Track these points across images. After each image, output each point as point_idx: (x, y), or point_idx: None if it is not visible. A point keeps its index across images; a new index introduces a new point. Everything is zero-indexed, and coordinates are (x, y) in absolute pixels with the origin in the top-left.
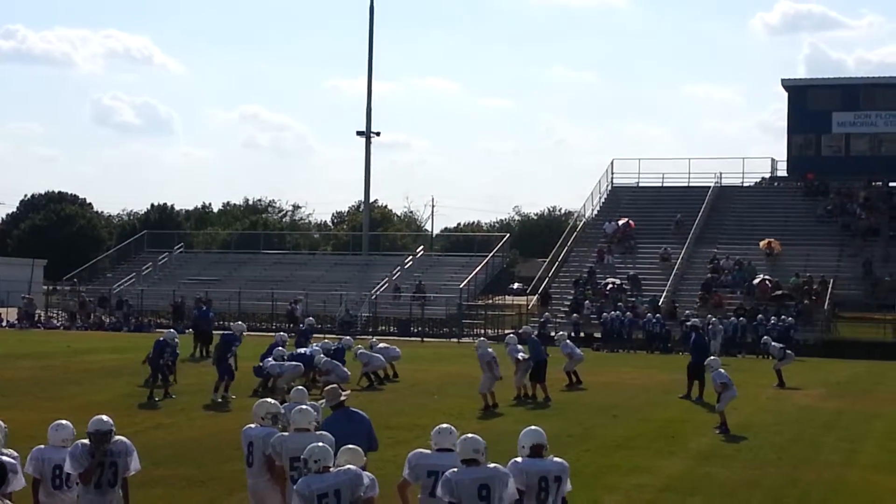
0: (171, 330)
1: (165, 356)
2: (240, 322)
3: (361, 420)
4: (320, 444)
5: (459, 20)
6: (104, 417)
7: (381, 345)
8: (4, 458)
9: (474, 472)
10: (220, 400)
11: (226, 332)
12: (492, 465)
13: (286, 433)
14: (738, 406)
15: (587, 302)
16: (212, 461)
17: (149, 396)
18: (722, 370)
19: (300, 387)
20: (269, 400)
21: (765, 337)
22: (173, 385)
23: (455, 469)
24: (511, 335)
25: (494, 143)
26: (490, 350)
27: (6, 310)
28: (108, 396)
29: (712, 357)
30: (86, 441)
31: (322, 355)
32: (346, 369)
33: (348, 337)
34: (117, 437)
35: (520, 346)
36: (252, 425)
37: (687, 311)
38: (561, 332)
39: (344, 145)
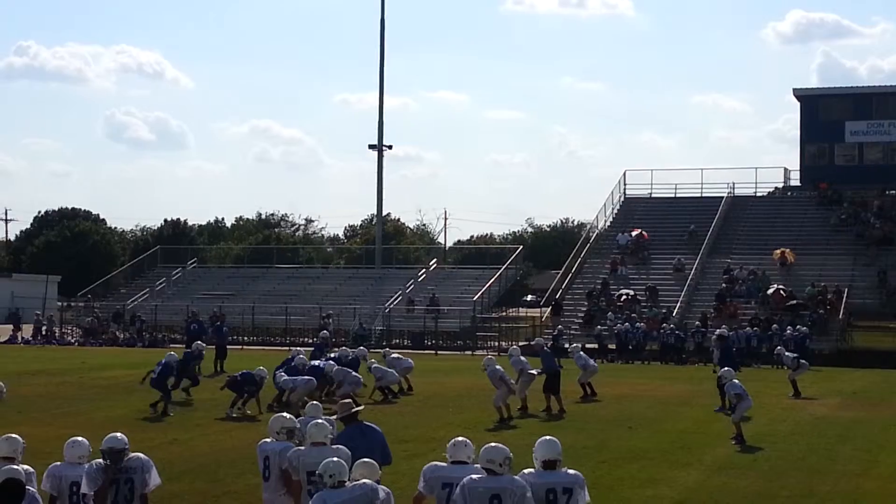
0: (199, 342)
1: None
2: (199, 342)
3: (375, 434)
4: (335, 458)
5: (469, 33)
6: (118, 435)
7: (394, 354)
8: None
9: (489, 481)
10: (235, 415)
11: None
12: (511, 476)
13: (302, 447)
14: (753, 416)
15: (609, 314)
16: (227, 476)
17: (163, 412)
18: (736, 381)
19: (315, 402)
20: (284, 415)
21: (778, 347)
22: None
23: (474, 476)
24: (514, 347)
25: (506, 156)
26: (498, 367)
27: (21, 326)
28: (123, 412)
29: (726, 368)
30: (100, 460)
31: (333, 364)
32: (357, 374)
33: (363, 347)
34: (133, 454)
35: (523, 358)
36: (267, 440)
37: (696, 322)
38: (575, 344)
39: (356, 159)
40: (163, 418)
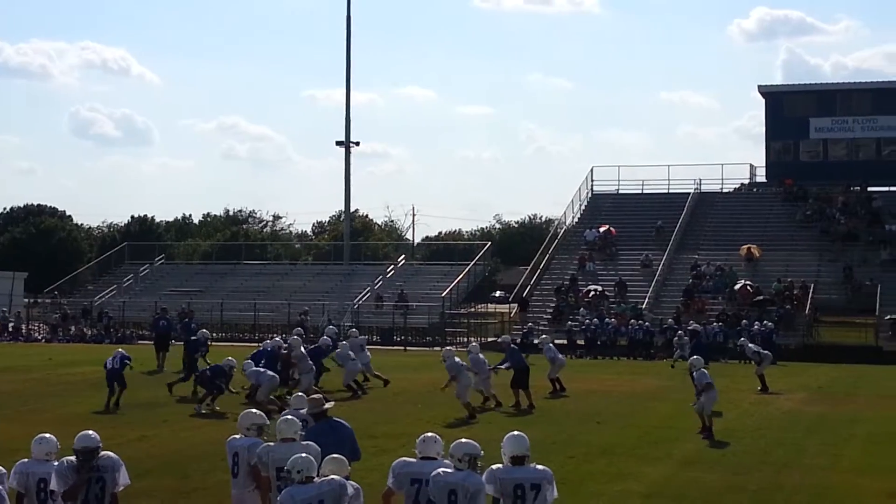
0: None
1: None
2: (203, 330)
3: (344, 429)
4: (303, 454)
5: (436, 28)
6: (91, 433)
7: (362, 337)
8: None
9: (450, 476)
10: (205, 411)
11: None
12: (468, 472)
13: (272, 443)
14: (721, 411)
15: (582, 309)
16: (196, 472)
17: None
18: (705, 370)
19: (300, 393)
20: (253, 411)
21: (741, 339)
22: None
23: (440, 470)
24: (473, 344)
25: (474, 151)
26: (458, 359)
27: None
28: (91, 408)
29: (695, 357)
30: (71, 458)
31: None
32: (310, 363)
33: (325, 337)
34: (104, 452)
35: (481, 356)
36: (237, 436)
37: (669, 319)
38: (544, 336)
39: (323, 155)
40: (206, 411)
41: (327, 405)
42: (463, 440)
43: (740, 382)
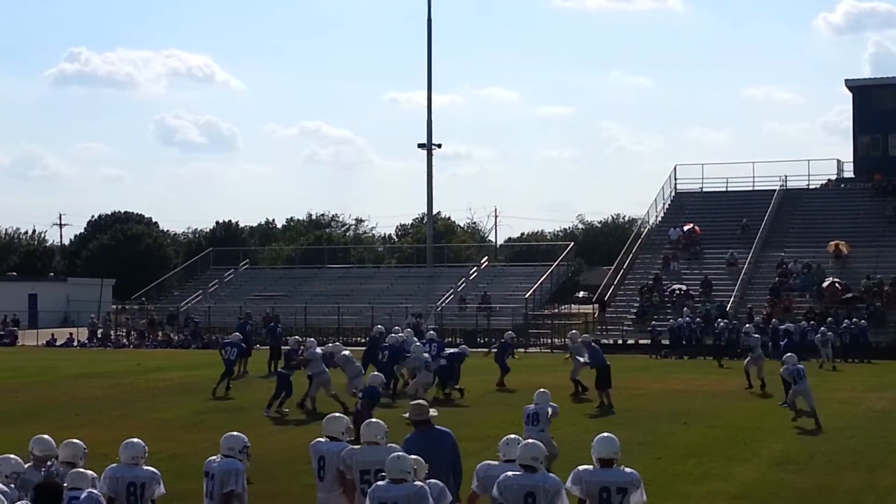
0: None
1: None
2: (296, 337)
3: (446, 439)
4: (399, 454)
5: (517, 28)
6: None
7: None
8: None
9: (524, 478)
10: (274, 415)
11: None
12: (545, 473)
13: (357, 447)
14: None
15: (686, 309)
16: (282, 476)
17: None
18: (800, 365)
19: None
20: (343, 416)
21: (747, 325)
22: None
23: (509, 473)
24: (574, 332)
25: (555, 152)
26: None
27: (77, 329)
28: (178, 413)
29: (788, 354)
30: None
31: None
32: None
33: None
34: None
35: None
36: (321, 439)
37: (758, 318)
38: (748, 326)
39: (405, 158)
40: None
41: (432, 413)
42: (531, 441)
43: (830, 382)
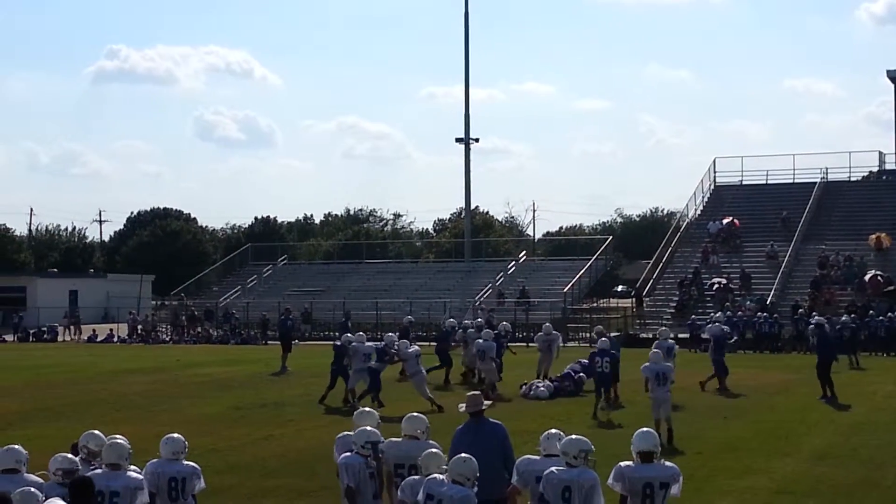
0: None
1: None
2: (360, 333)
3: (497, 431)
4: (465, 457)
5: (555, 23)
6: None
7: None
8: (132, 474)
9: (564, 473)
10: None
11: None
12: (583, 469)
13: (397, 439)
14: (853, 404)
15: (719, 310)
16: (322, 471)
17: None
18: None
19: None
20: (371, 411)
21: (718, 314)
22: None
23: (554, 468)
24: (599, 327)
25: (593, 145)
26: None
27: (117, 325)
28: (218, 409)
29: (654, 351)
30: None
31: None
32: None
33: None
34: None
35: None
36: (349, 433)
37: (800, 310)
38: (662, 328)
39: (443, 152)
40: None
41: (486, 404)
42: (574, 436)
43: (872, 375)
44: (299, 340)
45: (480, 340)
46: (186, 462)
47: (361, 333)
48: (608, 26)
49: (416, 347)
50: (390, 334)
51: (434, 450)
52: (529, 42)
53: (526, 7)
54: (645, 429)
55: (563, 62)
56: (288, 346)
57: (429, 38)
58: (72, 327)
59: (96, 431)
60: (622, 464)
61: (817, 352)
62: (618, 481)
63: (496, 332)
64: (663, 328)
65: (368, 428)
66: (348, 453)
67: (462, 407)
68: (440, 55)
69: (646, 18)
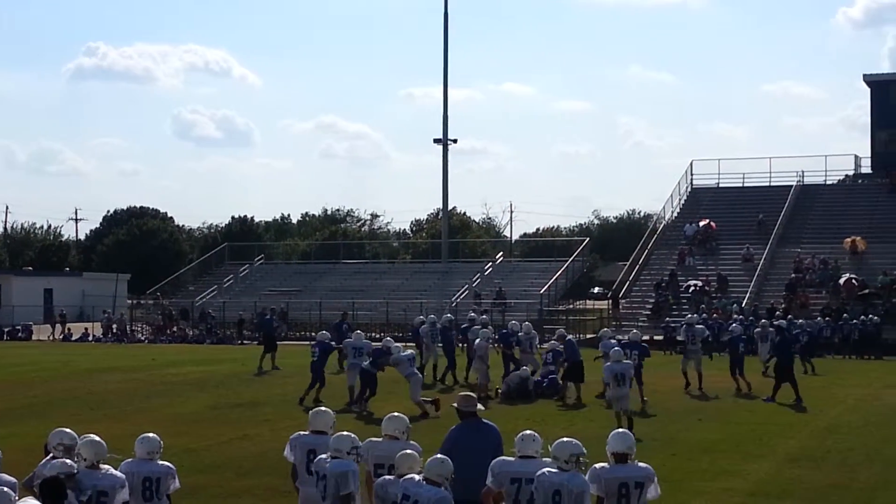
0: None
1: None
2: (358, 332)
3: (490, 432)
4: (442, 458)
5: (535, 23)
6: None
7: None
8: (115, 472)
9: (555, 476)
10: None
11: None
12: (573, 473)
13: (377, 439)
14: (825, 407)
15: (698, 312)
16: None
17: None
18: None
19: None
20: (327, 410)
21: (690, 316)
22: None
23: (545, 470)
24: (605, 330)
25: (572, 147)
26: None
27: (92, 324)
28: (194, 408)
29: (615, 349)
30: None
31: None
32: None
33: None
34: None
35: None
36: (304, 433)
37: (777, 313)
38: (604, 329)
39: (421, 153)
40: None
41: (480, 406)
42: (565, 439)
43: (846, 378)
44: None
45: (479, 340)
46: (161, 462)
47: (359, 332)
48: (589, 28)
49: (410, 351)
50: (388, 338)
51: (409, 451)
52: (509, 43)
53: (506, 8)
54: (620, 430)
55: (543, 63)
56: (272, 344)
57: (408, 38)
58: (58, 325)
59: (66, 429)
60: (597, 465)
61: (776, 354)
62: (594, 483)
63: (504, 330)
64: (605, 329)
65: (348, 433)
66: (337, 460)
67: (454, 405)
68: (420, 55)
69: (627, 20)
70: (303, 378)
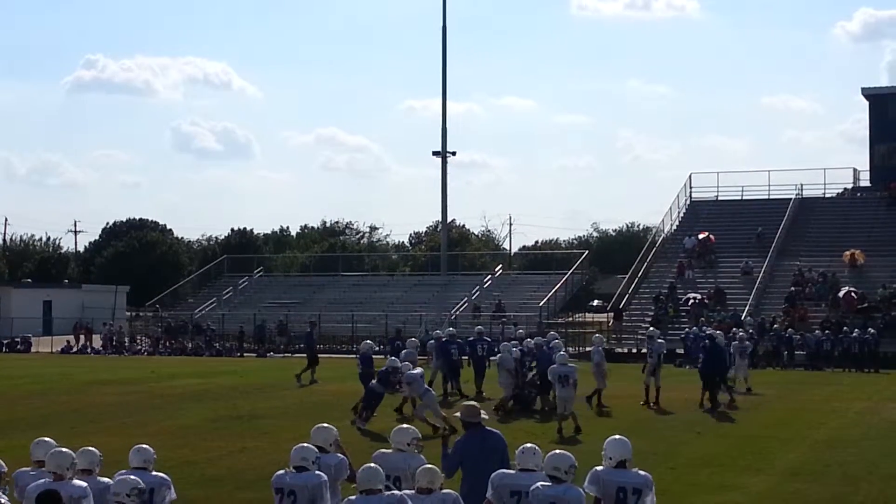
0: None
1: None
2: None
3: (496, 441)
4: (428, 465)
5: (534, 37)
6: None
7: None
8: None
9: (550, 489)
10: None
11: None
12: (568, 485)
13: (387, 451)
14: (825, 420)
15: (698, 325)
16: None
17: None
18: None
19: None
20: (329, 426)
21: (650, 329)
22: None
23: (539, 483)
24: (598, 336)
25: (571, 160)
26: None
27: (91, 336)
28: (193, 421)
29: (560, 353)
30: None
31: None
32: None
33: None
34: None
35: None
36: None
37: (776, 326)
38: (597, 335)
39: (420, 165)
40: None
41: (484, 415)
42: (558, 451)
43: (845, 392)
44: (273, 353)
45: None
46: (156, 472)
47: (369, 342)
48: (588, 41)
49: (420, 369)
50: (393, 359)
51: (430, 465)
52: (508, 56)
53: (505, 21)
54: (617, 436)
55: (543, 77)
56: (315, 358)
57: (409, 51)
58: (82, 336)
59: (46, 438)
60: (598, 467)
61: (703, 364)
62: (593, 484)
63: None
64: (551, 331)
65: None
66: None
67: (458, 415)
68: (420, 68)
69: (626, 34)
70: (305, 392)
